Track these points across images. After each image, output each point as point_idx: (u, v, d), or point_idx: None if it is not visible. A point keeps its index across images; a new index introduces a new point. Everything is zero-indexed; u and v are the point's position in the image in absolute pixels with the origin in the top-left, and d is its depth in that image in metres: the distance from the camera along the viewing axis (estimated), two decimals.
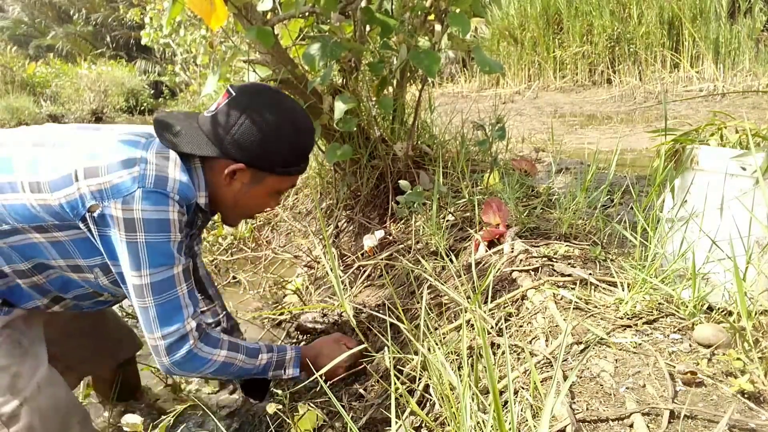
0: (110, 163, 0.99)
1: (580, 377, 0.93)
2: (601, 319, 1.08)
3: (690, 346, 0.98)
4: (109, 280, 1.14)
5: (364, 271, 1.99)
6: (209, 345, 1.13)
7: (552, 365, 0.99)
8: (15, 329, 1.13)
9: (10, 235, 1.04)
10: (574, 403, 0.87)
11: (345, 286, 1.98)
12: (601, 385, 0.90)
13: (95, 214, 0.99)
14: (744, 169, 1.14)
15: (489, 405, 0.87)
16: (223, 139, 1.07)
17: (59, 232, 1.04)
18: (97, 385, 1.64)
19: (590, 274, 1.24)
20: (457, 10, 1.71)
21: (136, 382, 1.67)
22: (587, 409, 0.86)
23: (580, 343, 1.01)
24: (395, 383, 0.90)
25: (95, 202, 0.99)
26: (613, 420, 0.82)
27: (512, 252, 1.43)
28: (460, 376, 0.91)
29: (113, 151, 1.02)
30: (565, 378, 0.92)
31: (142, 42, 7.36)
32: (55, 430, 1.13)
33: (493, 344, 1.12)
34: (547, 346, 1.04)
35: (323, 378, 1.26)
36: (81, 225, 1.02)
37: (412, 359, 1.17)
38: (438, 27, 1.82)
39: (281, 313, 2.00)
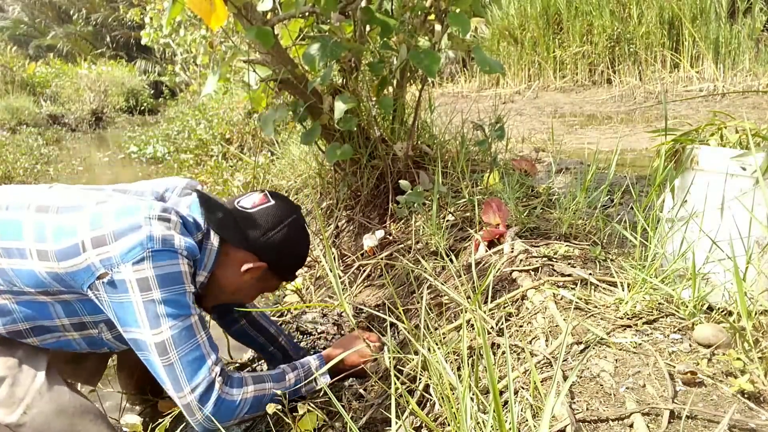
0: (116, 230, 1.02)
1: (580, 377, 0.93)
2: (601, 319, 1.08)
3: (690, 346, 0.98)
4: (113, 335, 1.17)
5: (364, 271, 1.99)
6: (235, 386, 1.13)
7: (552, 365, 0.99)
8: (6, 345, 1.15)
9: (18, 294, 1.08)
10: (574, 403, 0.87)
11: (345, 286, 1.98)
12: (601, 385, 0.90)
13: (105, 281, 1.02)
14: (744, 169, 1.14)
15: (489, 405, 0.87)
16: (257, 238, 1.19)
17: (66, 295, 1.08)
18: (122, 379, 1.64)
19: (590, 274, 1.24)
20: (457, 10, 1.71)
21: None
22: (587, 409, 0.86)
23: (580, 343, 1.01)
24: (395, 383, 0.90)
25: (105, 270, 1.01)
26: (613, 420, 0.82)
27: (512, 252, 1.42)
28: (460, 376, 0.91)
29: (117, 217, 1.04)
30: (565, 378, 0.92)
31: (142, 42, 7.38)
32: (65, 431, 1.15)
33: (493, 344, 1.12)
34: (547, 346, 1.04)
35: (352, 373, 1.36)
36: (89, 293, 1.04)
37: (412, 359, 1.17)
38: (438, 27, 1.82)
39: (281, 313, 2.00)
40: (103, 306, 1.06)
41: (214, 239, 1.17)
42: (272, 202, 1.22)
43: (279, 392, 1.20)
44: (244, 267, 1.19)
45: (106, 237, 1.01)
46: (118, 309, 1.04)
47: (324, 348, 1.68)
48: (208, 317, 1.46)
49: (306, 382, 1.27)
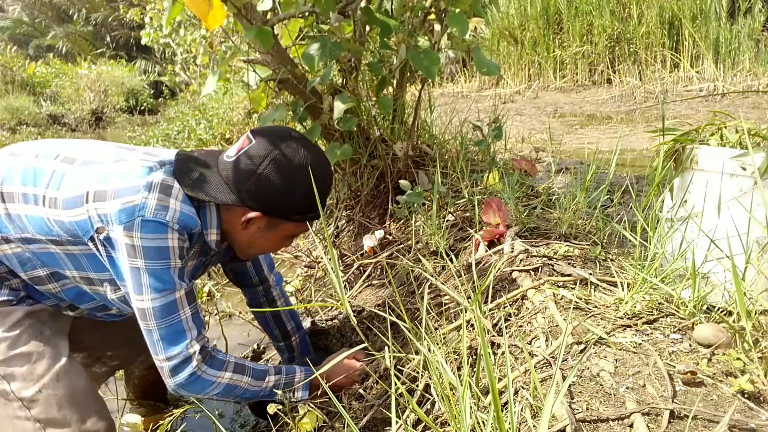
0: (117, 189, 1.03)
1: (580, 377, 0.93)
2: (601, 318, 1.08)
3: (690, 346, 0.98)
4: (117, 296, 1.17)
5: (364, 271, 1.99)
6: (213, 367, 1.14)
7: (552, 365, 0.99)
8: (38, 320, 1.18)
9: (31, 242, 1.09)
10: (574, 402, 0.87)
11: (345, 285, 1.98)
12: (601, 385, 0.90)
13: (102, 237, 1.04)
14: (743, 169, 1.14)
15: (489, 405, 0.87)
16: (240, 188, 1.09)
17: (73, 246, 1.09)
18: (129, 382, 1.65)
19: (590, 273, 1.24)
20: (457, 11, 1.71)
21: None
22: (587, 408, 0.86)
23: (580, 342, 1.01)
24: (395, 383, 0.89)
25: (102, 225, 1.03)
26: (613, 420, 0.82)
27: (512, 252, 1.42)
28: (460, 376, 0.91)
29: (124, 176, 1.05)
30: (565, 378, 0.92)
31: (142, 42, 7.37)
32: (71, 417, 1.17)
33: (493, 344, 1.12)
34: (547, 346, 1.04)
35: (334, 391, 1.31)
36: (90, 244, 1.07)
37: (413, 359, 1.17)
38: (437, 27, 1.82)
39: None
40: (103, 259, 1.08)
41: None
42: (253, 142, 1.10)
43: (253, 390, 1.21)
44: (242, 221, 1.12)
45: (107, 193, 1.03)
46: (112, 264, 1.08)
47: (324, 348, 1.68)
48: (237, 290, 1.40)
49: (283, 390, 1.25)
